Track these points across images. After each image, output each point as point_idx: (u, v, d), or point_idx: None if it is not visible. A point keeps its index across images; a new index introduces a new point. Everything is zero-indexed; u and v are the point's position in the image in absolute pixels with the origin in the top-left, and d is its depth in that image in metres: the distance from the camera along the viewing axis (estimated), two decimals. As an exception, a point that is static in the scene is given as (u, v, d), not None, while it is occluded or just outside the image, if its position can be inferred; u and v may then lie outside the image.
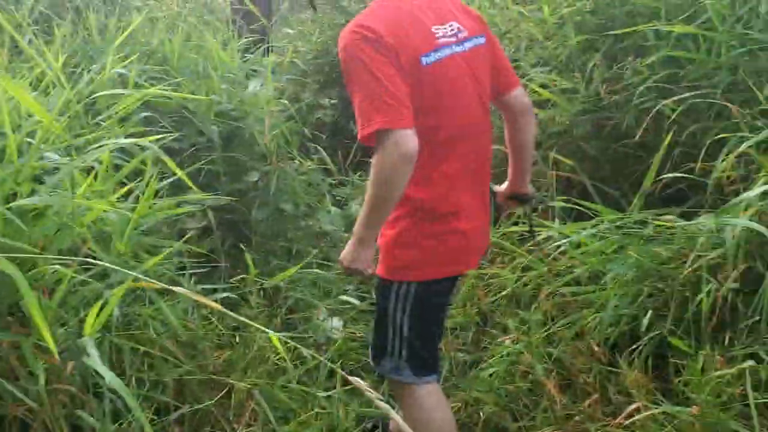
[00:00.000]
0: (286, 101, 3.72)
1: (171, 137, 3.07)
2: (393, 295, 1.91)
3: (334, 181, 4.04)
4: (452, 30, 1.86)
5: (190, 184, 1.88)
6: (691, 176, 2.35)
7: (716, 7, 2.44)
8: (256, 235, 3.28)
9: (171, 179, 2.44)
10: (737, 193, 2.33)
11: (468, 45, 1.89)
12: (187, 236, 2.64)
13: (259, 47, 4.28)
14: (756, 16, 2.46)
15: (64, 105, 2.16)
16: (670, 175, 2.43)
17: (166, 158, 1.79)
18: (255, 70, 3.93)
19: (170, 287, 1.33)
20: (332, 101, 5.42)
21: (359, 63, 1.69)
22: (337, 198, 4.12)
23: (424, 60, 1.75)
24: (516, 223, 2.84)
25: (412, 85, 1.73)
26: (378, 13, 1.80)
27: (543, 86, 3.20)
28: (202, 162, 3.11)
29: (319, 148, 3.68)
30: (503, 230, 2.83)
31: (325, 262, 3.32)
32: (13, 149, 1.67)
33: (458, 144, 1.87)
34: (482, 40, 1.95)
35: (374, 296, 2.16)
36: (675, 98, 2.55)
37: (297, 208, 3.46)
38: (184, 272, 2.48)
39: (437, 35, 1.82)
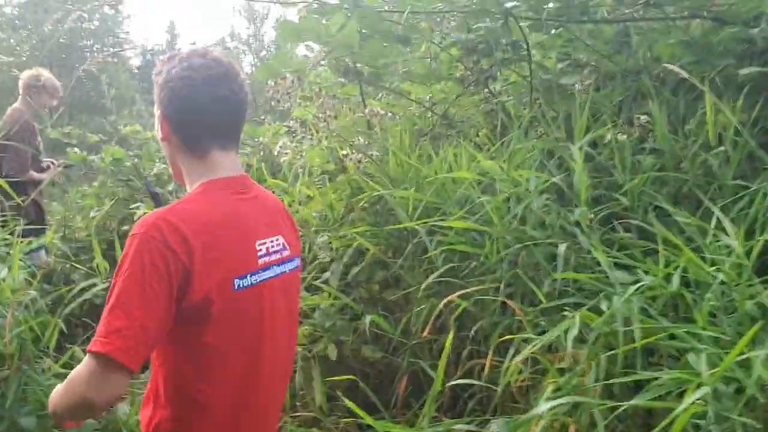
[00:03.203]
0: (35, 291, 3.18)
1: None
2: None
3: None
4: (278, 245, 1.58)
5: None
6: (479, 383, 2.21)
7: (492, 204, 2.45)
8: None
9: None
10: (528, 390, 2.27)
11: (289, 266, 1.61)
12: None
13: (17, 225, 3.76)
14: (529, 211, 2.50)
15: None
16: (459, 381, 2.28)
17: None
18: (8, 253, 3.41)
19: None
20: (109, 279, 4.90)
21: (136, 265, 1.34)
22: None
23: (237, 283, 1.44)
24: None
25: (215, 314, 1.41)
26: (191, 208, 1.45)
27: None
28: None
29: (75, 348, 3.14)
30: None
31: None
32: None
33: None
34: (297, 263, 1.67)
35: None
36: (459, 293, 2.46)
37: (42, 420, 2.87)
38: None
39: (260, 252, 1.52)
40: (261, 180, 4.15)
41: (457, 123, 3.45)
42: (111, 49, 29.71)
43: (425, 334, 2.44)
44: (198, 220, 1.41)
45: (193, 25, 65.63)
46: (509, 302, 2.42)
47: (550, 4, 3.55)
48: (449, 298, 2.44)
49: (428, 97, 3.89)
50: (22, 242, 3.62)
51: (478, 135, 3.56)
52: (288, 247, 1.60)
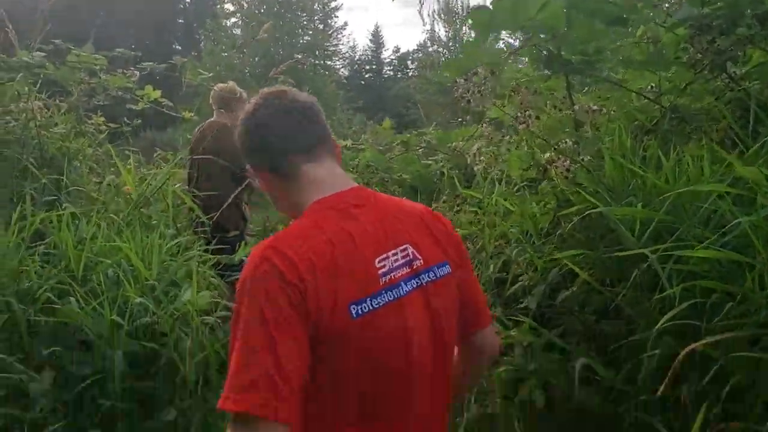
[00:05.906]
0: (224, 311, 3.05)
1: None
2: None
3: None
4: (405, 256, 1.40)
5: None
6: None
7: (754, 223, 1.82)
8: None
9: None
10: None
11: (426, 277, 1.42)
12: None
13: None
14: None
15: None
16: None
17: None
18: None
19: None
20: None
21: (255, 307, 1.22)
22: None
23: (354, 309, 1.28)
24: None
25: (329, 345, 1.26)
26: (295, 232, 1.34)
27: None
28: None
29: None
30: None
31: None
32: None
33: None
34: (445, 270, 1.46)
35: None
36: (705, 341, 1.87)
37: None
38: None
39: (383, 269, 1.35)
40: (453, 189, 3.77)
41: (691, 116, 2.79)
42: (321, 62, 31.57)
43: (660, 392, 1.88)
44: (304, 244, 1.29)
45: (395, 28, 67.54)
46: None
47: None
48: (691, 347, 1.85)
49: (651, 86, 3.25)
50: (214, 257, 3.58)
51: (717, 131, 2.87)
52: (419, 256, 1.42)
